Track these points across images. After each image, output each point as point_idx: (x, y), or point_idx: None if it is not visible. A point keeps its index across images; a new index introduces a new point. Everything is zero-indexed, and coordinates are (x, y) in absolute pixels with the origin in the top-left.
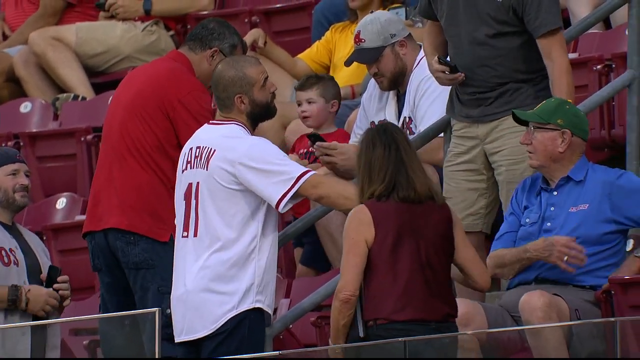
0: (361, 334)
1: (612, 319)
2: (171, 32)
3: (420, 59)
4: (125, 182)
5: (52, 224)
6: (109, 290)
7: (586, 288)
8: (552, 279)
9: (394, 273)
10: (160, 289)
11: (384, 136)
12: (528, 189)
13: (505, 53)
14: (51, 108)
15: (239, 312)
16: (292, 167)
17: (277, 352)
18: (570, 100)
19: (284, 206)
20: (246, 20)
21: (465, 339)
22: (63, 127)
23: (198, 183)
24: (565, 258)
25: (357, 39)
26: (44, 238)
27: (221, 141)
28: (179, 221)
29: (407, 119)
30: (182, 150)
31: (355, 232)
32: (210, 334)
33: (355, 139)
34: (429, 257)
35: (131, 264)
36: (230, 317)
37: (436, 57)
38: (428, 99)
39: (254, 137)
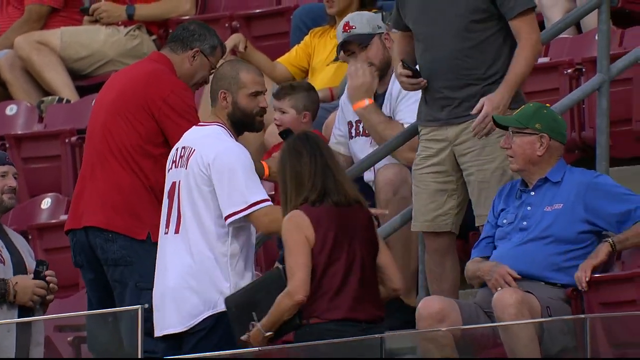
0: (298, 322)
1: (582, 316)
2: (153, 37)
3: None
4: (107, 182)
5: (37, 223)
6: (91, 286)
7: (557, 286)
8: (524, 276)
9: (332, 274)
10: (138, 284)
11: (308, 144)
12: (506, 194)
13: (476, 44)
14: (36, 110)
15: (217, 311)
16: (252, 192)
17: (256, 349)
18: (523, 71)
19: (230, 223)
20: (227, 25)
21: (439, 335)
22: (48, 129)
23: (180, 182)
24: (498, 288)
25: (347, 26)
26: (29, 237)
27: (201, 141)
28: (162, 219)
29: None
30: (171, 151)
31: (296, 234)
32: (190, 330)
33: (334, 140)
34: (363, 258)
35: (110, 261)
36: (208, 315)
37: (400, 62)
38: (407, 100)
39: (233, 142)
